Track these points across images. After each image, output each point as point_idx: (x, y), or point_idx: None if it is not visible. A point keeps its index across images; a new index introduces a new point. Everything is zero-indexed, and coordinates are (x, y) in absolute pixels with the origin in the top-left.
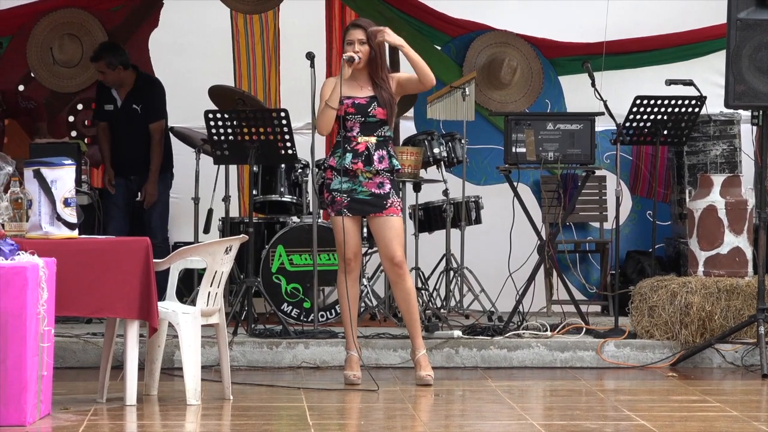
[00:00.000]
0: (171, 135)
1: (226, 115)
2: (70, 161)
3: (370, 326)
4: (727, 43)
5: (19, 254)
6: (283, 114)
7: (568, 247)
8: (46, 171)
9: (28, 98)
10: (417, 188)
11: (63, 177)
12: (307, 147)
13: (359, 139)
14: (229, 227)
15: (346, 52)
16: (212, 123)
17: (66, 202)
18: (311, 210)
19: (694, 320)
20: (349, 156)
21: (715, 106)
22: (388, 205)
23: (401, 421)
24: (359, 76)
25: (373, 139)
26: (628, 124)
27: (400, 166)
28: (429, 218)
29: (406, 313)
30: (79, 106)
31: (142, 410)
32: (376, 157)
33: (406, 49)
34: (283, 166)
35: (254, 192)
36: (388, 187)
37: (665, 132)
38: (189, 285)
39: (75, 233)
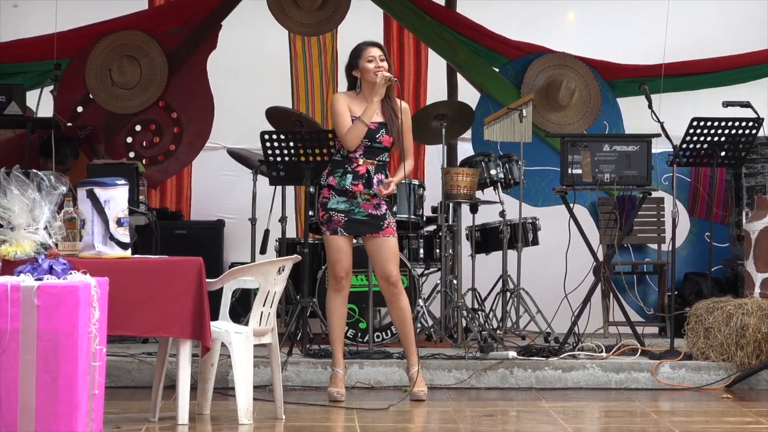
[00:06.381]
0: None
1: (282, 136)
2: (123, 181)
3: (426, 347)
4: None
5: (71, 273)
6: None
7: (625, 268)
8: (99, 191)
9: (83, 126)
10: (474, 209)
11: (116, 197)
12: None
13: (360, 161)
14: (286, 248)
15: (366, 69)
16: (268, 144)
17: (119, 222)
18: None
19: (749, 342)
20: (349, 177)
21: None
22: (385, 226)
23: None
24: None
25: (373, 163)
26: (684, 146)
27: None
28: (486, 239)
29: (401, 330)
30: (137, 128)
31: (194, 429)
32: (375, 181)
33: (400, 177)
34: None
35: (310, 213)
36: (384, 208)
37: (722, 154)
38: (245, 305)
39: (128, 253)
